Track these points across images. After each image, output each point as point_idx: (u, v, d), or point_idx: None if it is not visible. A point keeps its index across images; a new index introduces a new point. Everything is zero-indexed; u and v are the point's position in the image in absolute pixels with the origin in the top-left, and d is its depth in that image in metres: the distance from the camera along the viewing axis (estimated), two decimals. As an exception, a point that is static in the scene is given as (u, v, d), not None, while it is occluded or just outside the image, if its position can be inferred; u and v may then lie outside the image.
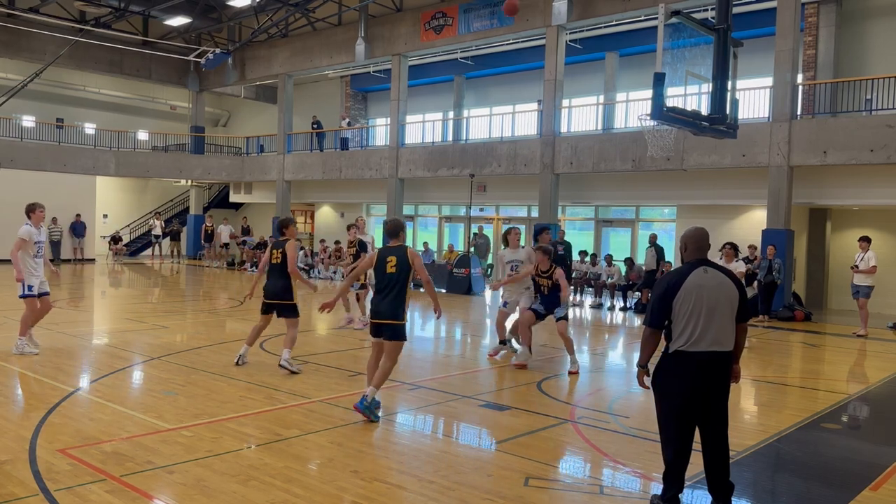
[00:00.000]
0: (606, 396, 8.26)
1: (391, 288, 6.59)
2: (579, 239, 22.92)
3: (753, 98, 17.12)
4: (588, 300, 18.12)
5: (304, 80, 29.37)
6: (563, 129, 20.83)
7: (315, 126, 27.46)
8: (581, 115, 22.16)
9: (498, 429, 6.57)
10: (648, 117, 10.32)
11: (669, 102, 10.32)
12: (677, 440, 4.49)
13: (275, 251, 8.55)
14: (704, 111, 10.59)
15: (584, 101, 22.73)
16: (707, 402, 4.47)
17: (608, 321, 15.47)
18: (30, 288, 9.12)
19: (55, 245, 25.66)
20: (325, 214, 30.19)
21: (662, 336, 4.57)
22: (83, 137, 28.51)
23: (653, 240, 17.04)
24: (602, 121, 21.83)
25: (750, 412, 8.01)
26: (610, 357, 11.33)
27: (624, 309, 16.87)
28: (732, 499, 4.63)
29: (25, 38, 24.55)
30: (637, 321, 15.46)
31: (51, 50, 23.99)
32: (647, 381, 4.63)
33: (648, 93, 10.08)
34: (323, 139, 27.44)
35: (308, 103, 29.51)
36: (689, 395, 4.42)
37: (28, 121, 27.04)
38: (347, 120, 28.08)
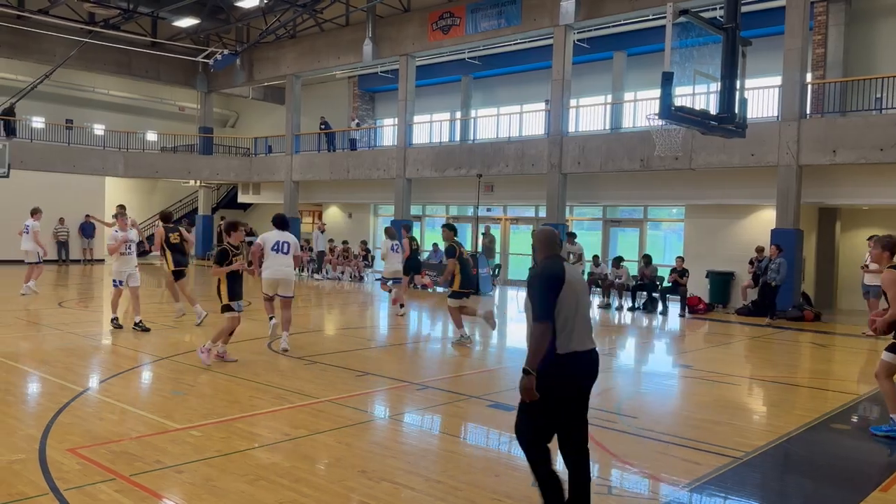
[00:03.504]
0: (614, 396, 8.23)
1: None
2: (586, 239, 22.87)
3: (762, 97, 17.04)
4: (595, 300, 18.08)
5: (311, 81, 29.43)
6: (571, 128, 20.79)
7: (323, 126, 27.51)
8: (589, 114, 22.11)
9: (506, 429, 6.55)
10: (656, 116, 10.29)
11: (678, 102, 10.28)
12: (545, 445, 4.29)
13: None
14: (713, 110, 10.54)
15: (591, 100, 22.69)
16: (580, 406, 4.31)
17: (616, 321, 15.42)
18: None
19: (62, 245, 25.81)
20: (333, 215, 30.23)
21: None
22: (92, 138, 28.66)
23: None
24: (610, 120, 21.77)
25: (758, 412, 7.98)
26: (618, 357, 11.29)
27: (632, 309, 16.82)
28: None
29: (35, 40, 24.69)
30: (646, 321, 15.42)
31: (60, 51, 24.11)
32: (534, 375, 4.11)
33: (656, 92, 10.04)
34: (331, 140, 27.49)
35: (316, 104, 29.56)
36: (574, 397, 4.25)
37: (38, 122, 27.20)
38: (356, 120, 28.13)
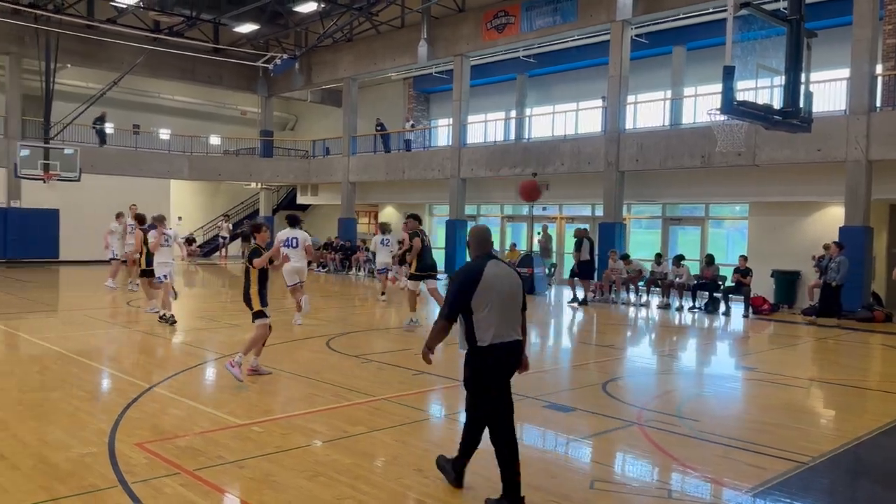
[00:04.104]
0: (675, 399, 8.07)
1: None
2: (645, 237, 22.50)
3: (829, 90, 16.41)
4: (655, 300, 17.75)
5: (368, 83, 29.76)
6: (629, 125, 20.46)
7: (378, 128, 27.79)
8: (647, 110, 21.72)
9: (562, 430, 6.51)
10: (718, 112, 10.05)
11: (740, 96, 10.00)
12: (481, 426, 4.70)
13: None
14: (777, 105, 10.24)
15: (650, 96, 22.29)
16: (506, 386, 4.70)
17: (677, 322, 15.11)
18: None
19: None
20: (389, 215, 30.49)
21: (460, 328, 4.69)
22: (158, 143, 29.66)
23: (580, 235, 17.65)
24: (669, 116, 21.35)
25: (826, 416, 7.71)
26: (679, 359, 11.07)
27: (693, 309, 16.44)
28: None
29: (104, 49, 25.66)
30: (707, 322, 15.07)
31: (127, 59, 25.00)
32: (431, 358, 4.84)
33: (717, 87, 9.82)
34: (387, 141, 27.75)
35: (372, 105, 29.88)
36: (498, 382, 4.64)
37: (107, 127, 28.27)
38: (411, 121, 28.32)
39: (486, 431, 4.77)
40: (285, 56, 25.19)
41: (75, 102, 24.13)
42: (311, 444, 5.79)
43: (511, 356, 4.66)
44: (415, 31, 24.49)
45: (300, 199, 32.64)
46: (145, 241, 12.72)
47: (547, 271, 20.57)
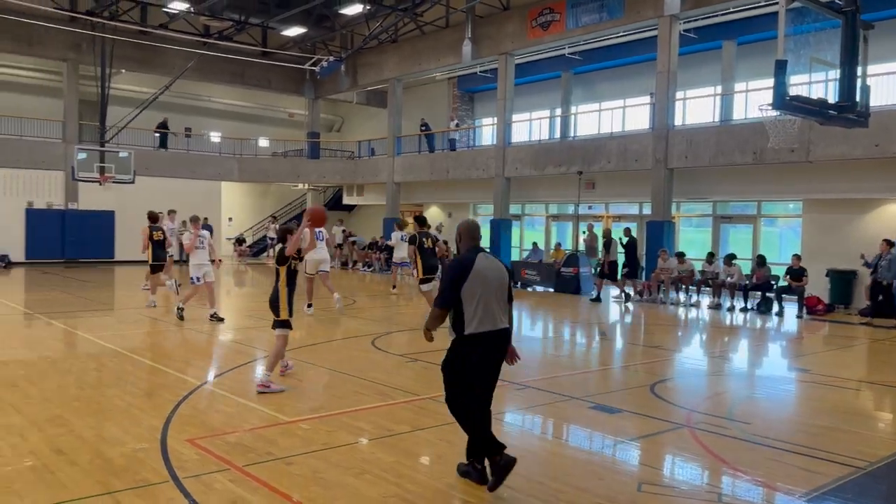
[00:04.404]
0: (726, 401, 7.91)
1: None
2: (695, 236, 22.07)
3: (887, 84, 15.84)
4: (706, 300, 17.40)
5: (412, 84, 29.90)
6: (678, 121, 20.10)
7: (423, 128, 27.89)
8: (696, 106, 21.30)
9: (609, 432, 6.43)
10: (770, 107, 9.81)
11: (793, 91, 9.74)
12: (479, 410, 4.87)
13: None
14: (832, 99, 9.93)
15: (699, 92, 21.87)
16: (492, 373, 4.89)
17: (728, 322, 14.78)
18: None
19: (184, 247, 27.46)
20: (434, 215, 30.56)
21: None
22: (209, 145, 30.34)
23: (608, 235, 18.06)
24: (720, 112, 20.91)
25: (884, 420, 7.45)
26: (730, 360, 10.83)
27: (745, 310, 16.06)
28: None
29: (156, 54, 26.35)
30: (760, 322, 14.72)
31: (179, 64, 25.61)
32: (431, 335, 5.11)
33: (769, 81, 9.57)
34: (431, 141, 27.84)
35: (416, 106, 30.01)
36: (484, 369, 4.84)
37: (167, 132, 29.03)
38: (456, 121, 28.36)
39: (482, 434, 4.88)
40: (331, 58, 25.47)
41: (129, 107, 24.83)
42: (357, 441, 5.85)
43: (497, 343, 4.85)
44: (459, 31, 24.51)
45: (346, 200, 32.98)
46: (151, 237, 13.88)
47: (593, 271, 20.34)
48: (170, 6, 23.19)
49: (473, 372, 4.82)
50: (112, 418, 6.37)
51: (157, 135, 28.28)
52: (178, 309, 12.54)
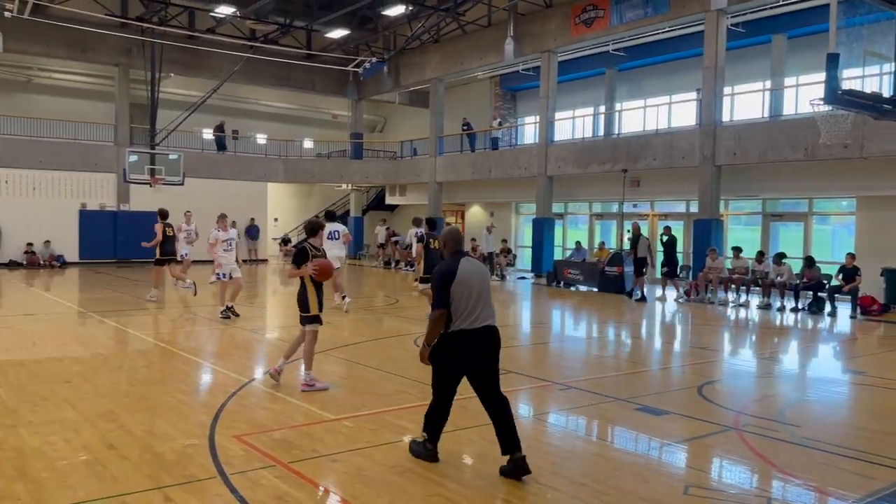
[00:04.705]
0: (776, 403, 7.71)
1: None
2: (744, 234, 21.59)
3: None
4: (755, 300, 17.01)
5: (454, 83, 29.92)
6: (725, 117, 19.69)
7: (465, 127, 27.89)
8: (745, 102, 20.84)
9: (655, 434, 6.33)
10: (821, 102, 9.54)
11: (845, 85, 9.44)
12: (448, 400, 5.34)
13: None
14: (886, 93, 9.61)
15: (748, 87, 21.38)
16: (485, 367, 5.21)
17: (778, 323, 14.43)
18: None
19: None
20: (475, 214, 30.56)
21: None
22: (256, 147, 30.87)
23: (637, 231, 18.10)
24: (769, 107, 20.42)
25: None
26: (780, 361, 10.57)
27: (796, 310, 15.65)
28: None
29: (204, 58, 26.89)
30: (811, 323, 14.33)
31: (226, 67, 26.11)
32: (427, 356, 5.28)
33: (821, 76, 9.31)
34: (473, 140, 27.82)
35: (458, 105, 30.03)
36: (467, 364, 5.19)
37: (207, 133, 29.65)
38: (499, 119, 28.28)
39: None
40: (374, 60, 25.71)
41: (178, 110, 25.41)
42: (400, 440, 5.87)
43: (483, 339, 5.20)
44: (501, 30, 24.43)
45: (388, 200, 33.19)
46: (164, 233, 14.91)
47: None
48: (217, 10, 23.65)
49: (459, 365, 5.21)
50: (162, 414, 6.52)
51: (214, 137, 29.11)
52: (226, 308, 12.73)
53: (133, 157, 23.45)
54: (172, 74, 27.40)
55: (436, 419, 5.37)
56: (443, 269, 5.30)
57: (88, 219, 25.91)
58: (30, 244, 24.97)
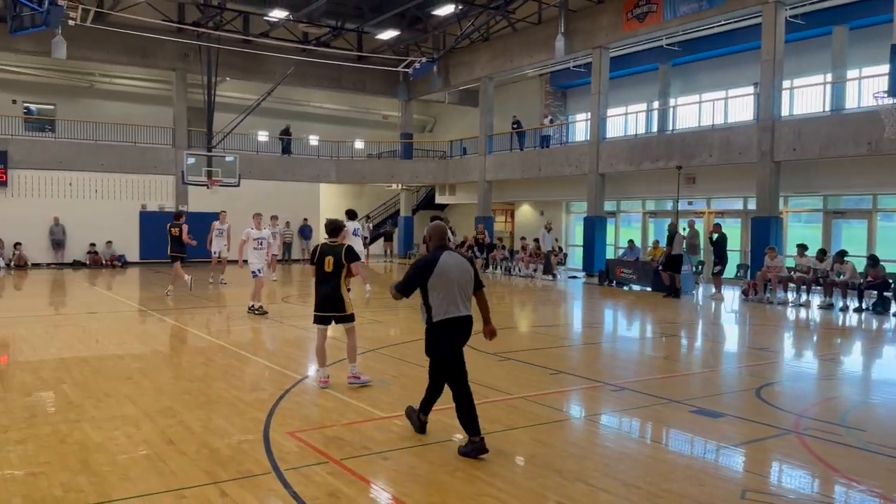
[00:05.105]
0: (839, 406, 7.45)
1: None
2: (804, 232, 20.94)
3: None
4: (816, 300, 16.47)
5: (504, 82, 29.81)
6: (784, 112, 19.13)
7: (515, 126, 27.75)
8: (805, 96, 20.20)
9: (711, 436, 6.18)
10: (885, 94, 9.20)
11: (913, 75, 9.08)
12: (440, 384, 5.73)
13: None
14: (958, 82, 9.19)
15: (807, 80, 20.73)
16: (459, 352, 5.60)
17: (840, 323, 13.94)
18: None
19: (287, 247, 28.54)
20: (525, 213, 30.41)
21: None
22: (308, 148, 31.36)
23: (673, 229, 18.19)
24: (830, 101, 19.75)
25: None
26: (842, 363, 10.21)
27: (859, 310, 15.09)
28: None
29: (258, 62, 27.44)
30: (876, 323, 13.80)
31: (279, 70, 26.58)
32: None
33: (884, 68, 8.97)
34: (522, 138, 27.67)
35: (508, 104, 29.92)
36: (454, 349, 5.56)
37: (262, 136, 30.24)
38: (549, 117, 28.07)
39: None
40: (424, 59, 25.82)
41: (233, 113, 25.97)
42: (451, 439, 5.87)
43: (461, 327, 5.57)
44: (551, 26, 24.24)
45: (438, 199, 33.27)
46: (169, 233, 16.21)
47: (694, 269, 19.64)
48: (271, 15, 24.09)
49: (445, 352, 5.58)
50: (218, 410, 6.67)
51: (280, 140, 30.03)
52: (254, 308, 13.09)
53: (191, 160, 24.09)
54: (228, 78, 28.03)
55: (432, 397, 5.86)
56: (423, 261, 5.59)
57: (148, 220, 26.68)
58: (92, 245, 25.89)
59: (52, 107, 27.82)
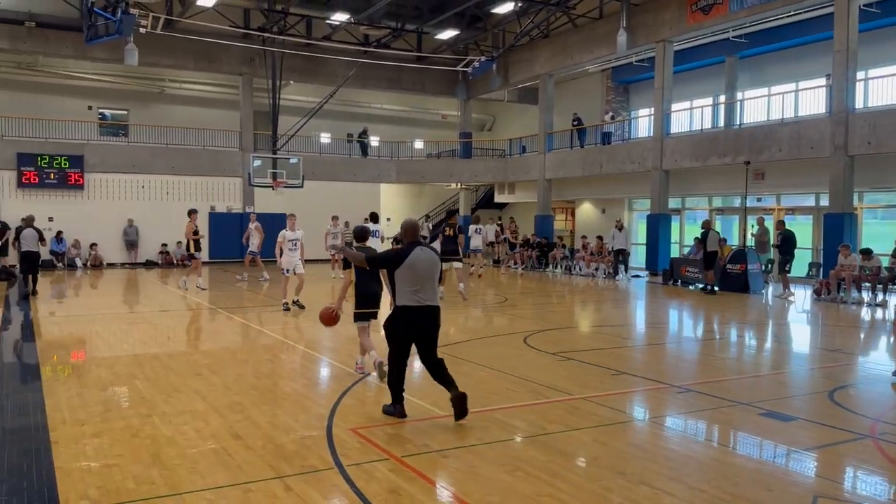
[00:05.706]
0: (918, 411, 7.10)
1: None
2: (881, 229, 20.07)
3: None
4: (893, 300, 15.75)
5: (564, 79, 29.51)
6: (859, 104, 18.35)
7: (575, 123, 27.44)
8: (881, 87, 19.34)
9: (781, 440, 5.98)
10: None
11: None
12: (402, 364, 6.30)
13: None
14: None
15: (884, 71, 19.81)
16: (426, 336, 6.28)
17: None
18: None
19: (348, 246, 28.97)
20: (586, 211, 30.04)
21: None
22: (369, 149, 31.74)
23: (707, 226, 18.51)
24: (908, 92, 18.84)
25: None
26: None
27: (941, 310, 14.35)
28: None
29: (320, 65, 27.93)
30: (959, 324, 13.10)
31: (341, 73, 26.99)
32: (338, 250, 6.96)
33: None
34: (582, 135, 27.33)
35: (568, 101, 29.59)
36: (413, 334, 6.25)
37: (325, 137, 30.76)
38: (611, 113, 27.64)
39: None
40: (483, 58, 25.78)
41: (297, 115, 26.50)
42: (511, 439, 5.85)
43: (424, 317, 6.20)
44: (612, 21, 23.86)
45: (497, 198, 33.18)
46: (195, 231, 17.26)
47: (763, 268, 19.05)
48: (332, 18, 24.47)
49: (403, 335, 6.24)
50: (283, 406, 6.82)
51: (358, 142, 30.80)
52: (286, 303, 13.80)
53: (257, 162, 24.70)
54: (291, 81, 28.59)
55: (396, 383, 6.31)
56: (395, 253, 6.29)
57: (217, 220, 27.45)
58: (164, 245, 26.81)
59: (125, 112, 28.93)
